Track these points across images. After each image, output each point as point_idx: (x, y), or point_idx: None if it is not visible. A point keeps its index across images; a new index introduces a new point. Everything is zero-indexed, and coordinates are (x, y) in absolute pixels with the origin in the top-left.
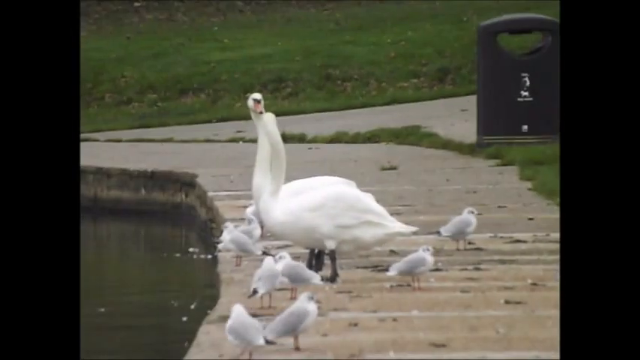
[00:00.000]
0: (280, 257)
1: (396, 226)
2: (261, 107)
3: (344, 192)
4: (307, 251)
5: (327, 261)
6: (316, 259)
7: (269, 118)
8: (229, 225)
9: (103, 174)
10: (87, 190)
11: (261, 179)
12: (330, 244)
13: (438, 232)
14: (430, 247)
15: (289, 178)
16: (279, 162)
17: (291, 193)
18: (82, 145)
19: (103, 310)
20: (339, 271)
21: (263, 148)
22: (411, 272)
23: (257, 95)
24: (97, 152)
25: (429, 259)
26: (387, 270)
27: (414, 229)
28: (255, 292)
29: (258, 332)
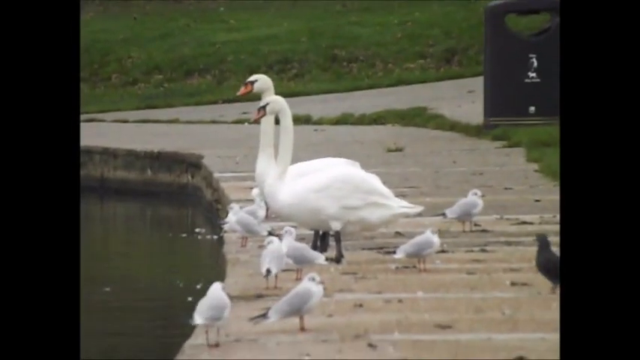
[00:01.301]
0: (286, 232)
1: (401, 206)
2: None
3: (349, 173)
4: (312, 232)
5: (332, 242)
6: (321, 240)
7: (281, 99)
8: (235, 206)
9: (109, 154)
10: (94, 170)
11: (264, 165)
12: (336, 226)
13: (444, 214)
14: (436, 229)
15: (294, 160)
16: (287, 145)
17: (296, 175)
18: (89, 125)
19: (108, 289)
20: (344, 252)
21: (266, 134)
22: (417, 254)
23: (252, 77)
24: (104, 133)
25: (436, 241)
26: (393, 252)
27: (419, 208)
28: (268, 272)
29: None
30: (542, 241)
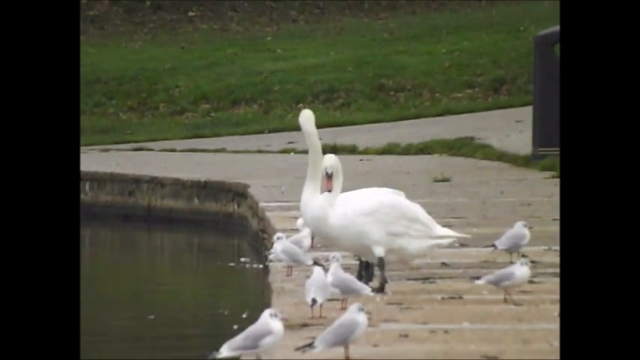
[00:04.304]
0: (333, 258)
1: (444, 235)
2: (329, 185)
3: (396, 199)
4: (357, 262)
5: (376, 271)
6: (366, 270)
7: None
8: (281, 236)
9: (157, 183)
10: (141, 199)
11: (310, 195)
12: (379, 252)
13: (494, 246)
14: (527, 261)
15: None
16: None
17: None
18: (137, 154)
19: (152, 317)
20: (389, 282)
21: (314, 164)
22: (499, 283)
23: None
24: (152, 161)
25: (525, 271)
26: (475, 279)
27: (462, 235)
28: (314, 301)
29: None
30: None
